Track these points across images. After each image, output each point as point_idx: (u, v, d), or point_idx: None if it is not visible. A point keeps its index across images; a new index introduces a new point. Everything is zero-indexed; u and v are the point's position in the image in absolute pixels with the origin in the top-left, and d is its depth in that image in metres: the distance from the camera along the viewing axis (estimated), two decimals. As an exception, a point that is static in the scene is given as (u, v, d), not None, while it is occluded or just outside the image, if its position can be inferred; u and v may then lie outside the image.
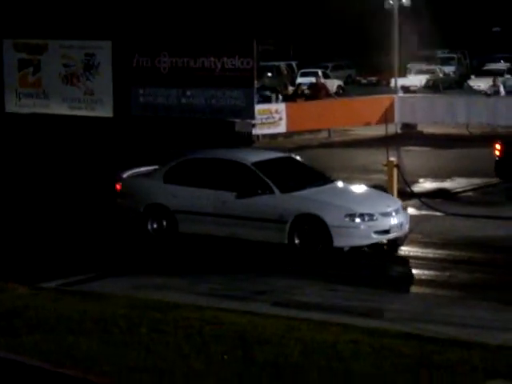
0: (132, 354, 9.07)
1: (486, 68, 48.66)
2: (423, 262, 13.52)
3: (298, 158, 16.01)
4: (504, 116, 28.44)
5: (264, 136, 28.44)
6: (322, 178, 14.92)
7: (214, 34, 36.74)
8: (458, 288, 12.07)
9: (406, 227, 14.04)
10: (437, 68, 51.46)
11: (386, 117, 28.86)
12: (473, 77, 47.63)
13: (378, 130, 28.93)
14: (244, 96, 27.35)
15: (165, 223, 14.68)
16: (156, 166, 15.64)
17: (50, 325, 10.20)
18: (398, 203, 14.29)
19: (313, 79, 37.92)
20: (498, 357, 8.91)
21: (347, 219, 13.40)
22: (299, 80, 45.12)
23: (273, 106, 28.55)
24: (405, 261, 13.67)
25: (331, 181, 14.91)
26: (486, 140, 25.08)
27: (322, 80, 33.36)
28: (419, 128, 30.48)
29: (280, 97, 29.31)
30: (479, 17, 61.25)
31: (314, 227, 13.46)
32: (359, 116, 29.55)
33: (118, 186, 15.44)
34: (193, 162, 15.23)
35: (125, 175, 15.59)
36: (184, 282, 12.58)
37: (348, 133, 30.39)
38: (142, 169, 15.85)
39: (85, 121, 28.41)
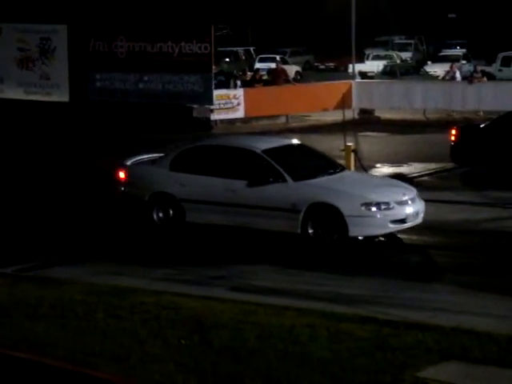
0: (88, 340, 9.04)
1: (442, 54, 49.06)
2: (379, 246, 13.62)
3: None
4: (459, 102, 28.73)
5: (222, 121, 28.39)
6: (334, 166, 14.51)
7: (171, 19, 36.52)
8: (413, 271, 12.19)
9: (421, 216, 13.69)
10: (394, 54, 51.76)
11: (344, 102, 28.96)
12: (429, 63, 47.96)
13: (336, 116, 29.02)
14: (202, 81, 27.28)
15: (171, 212, 14.19)
16: (161, 154, 15.14)
17: (6, 310, 10.12)
18: (414, 191, 13.87)
19: (271, 65, 37.96)
20: (452, 339, 9.02)
21: (363, 208, 13.02)
22: (257, 65, 45.11)
23: (231, 92, 28.50)
24: (360, 245, 13.72)
25: (342, 168, 14.58)
26: (442, 125, 25.36)
27: (282, 65, 33.23)
28: (376, 113, 30.63)
29: (238, 82, 29.26)
30: (435, 3, 61.66)
31: (328, 216, 13.07)
32: (317, 102, 29.60)
33: (122, 174, 14.86)
34: (200, 149, 14.74)
35: (128, 162, 15.01)
36: (142, 268, 12.54)
37: (306, 118, 30.44)
38: (145, 156, 15.34)
39: (41, 106, 28.12)
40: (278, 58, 43.61)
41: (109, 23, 30.01)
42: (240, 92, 28.45)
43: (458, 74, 31.05)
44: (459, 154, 19.09)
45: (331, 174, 14.08)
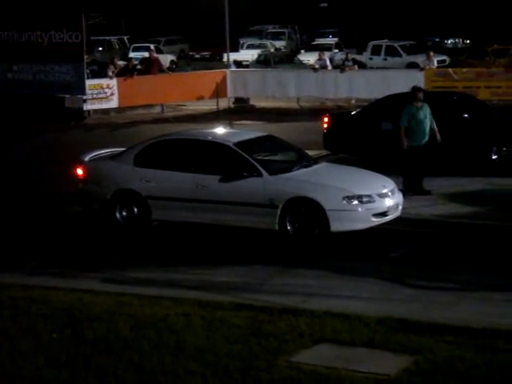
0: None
1: (315, 43, 49.76)
2: (250, 234, 13.61)
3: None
4: (332, 90, 29.21)
5: (95, 111, 28.01)
6: (308, 159, 14.07)
7: (40, 7, 35.72)
8: (287, 258, 12.30)
9: (400, 208, 13.29)
10: (268, 43, 52.16)
11: (218, 91, 29.01)
12: (303, 51, 48.56)
13: (212, 105, 29.06)
14: (74, 71, 26.83)
15: (136, 210, 13.59)
16: (121, 148, 14.54)
17: None
18: (393, 183, 13.41)
19: (145, 54, 37.59)
20: (323, 322, 9.18)
21: (345, 202, 12.54)
22: (131, 55, 44.61)
23: (104, 81, 28.12)
24: (233, 234, 13.69)
25: (315, 161, 14.11)
26: (316, 113, 25.72)
27: (155, 54, 32.97)
28: (251, 102, 30.81)
29: (110, 72, 28.88)
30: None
31: (308, 211, 12.57)
32: (192, 91, 29.58)
33: (80, 171, 14.16)
34: (167, 143, 14.02)
35: (86, 158, 14.32)
36: (13, 261, 12.27)
37: (181, 108, 30.35)
38: (102, 151, 14.66)
39: None
40: (152, 46, 43.26)
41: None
42: (113, 82, 28.11)
43: (328, 63, 31.51)
44: (332, 141, 19.38)
45: (306, 166, 13.60)
